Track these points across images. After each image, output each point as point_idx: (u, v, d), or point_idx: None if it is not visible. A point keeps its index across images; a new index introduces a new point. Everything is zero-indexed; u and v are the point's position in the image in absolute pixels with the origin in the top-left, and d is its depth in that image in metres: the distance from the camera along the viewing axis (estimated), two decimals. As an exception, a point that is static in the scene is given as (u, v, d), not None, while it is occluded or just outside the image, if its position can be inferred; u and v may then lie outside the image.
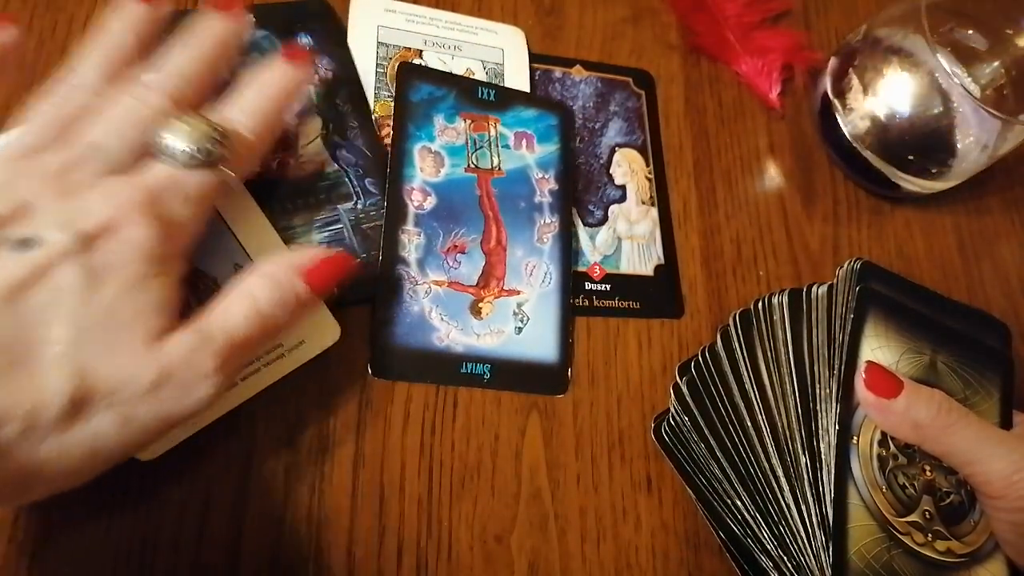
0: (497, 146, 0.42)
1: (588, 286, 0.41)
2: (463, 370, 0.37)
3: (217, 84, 0.32)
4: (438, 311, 0.37)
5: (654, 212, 0.44)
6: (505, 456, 0.36)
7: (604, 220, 0.43)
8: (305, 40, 0.41)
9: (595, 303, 0.41)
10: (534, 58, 0.46)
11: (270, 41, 0.40)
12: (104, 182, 0.28)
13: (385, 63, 0.42)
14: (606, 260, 0.42)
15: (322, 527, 0.33)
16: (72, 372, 0.25)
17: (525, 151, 0.42)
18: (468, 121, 0.42)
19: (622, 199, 0.44)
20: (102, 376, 0.25)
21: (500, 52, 0.45)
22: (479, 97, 0.42)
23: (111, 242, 0.26)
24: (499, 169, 0.41)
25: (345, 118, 0.40)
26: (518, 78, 0.45)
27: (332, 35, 0.42)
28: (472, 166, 0.41)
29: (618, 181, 0.44)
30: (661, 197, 0.45)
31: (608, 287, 0.41)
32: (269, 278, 0.29)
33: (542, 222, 0.41)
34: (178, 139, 0.28)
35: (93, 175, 0.28)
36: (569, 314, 0.40)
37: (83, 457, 0.25)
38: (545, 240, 0.41)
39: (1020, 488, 0.33)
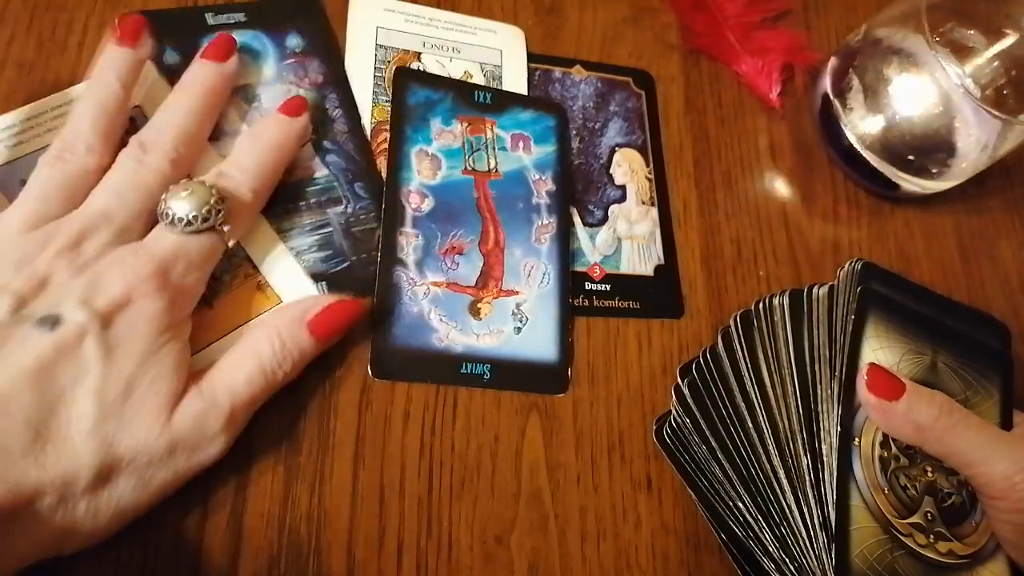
0: (494, 148, 0.42)
1: (588, 286, 0.41)
2: (463, 370, 0.37)
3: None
4: (437, 312, 0.37)
5: (654, 212, 0.44)
6: (505, 456, 0.36)
7: (604, 220, 0.43)
8: (295, 41, 0.41)
9: (595, 303, 0.41)
10: (534, 58, 0.46)
11: (260, 41, 0.40)
12: (115, 253, 0.29)
13: (384, 66, 0.42)
14: (606, 260, 0.42)
15: (322, 527, 0.33)
16: (98, 446, 0.26)
17: (522, 153, 0.42)
18: (465, 124, 0.42)
19: (622, 199, 0.44)
20: (124, 446, 0.27)
21: (499, 53, 0.45)
22: (476, 100, 0.42)
23: (126, 316, 0.28)
24: (496, 171, 0.41)
25: (335, 123, 0.40)
26: (516, 79, 0.45)
27: (322, 36, 0.41)
28: (469, 168, 0.41)
29: (618, 181, 0.44)
30: (661, 197, 0.45)
31: (608, 287, 0.41)
32: (275, 335, 0.31)
33: (540, 223, 0.41)
34: (180, 205, 0.30)
35: (104, 244, 0.29)
36: (568, 314, 0.40)
37: (109, 518, 0.27)
38: (543, 241, 0.40)
39: (1021, 489, 0.33)
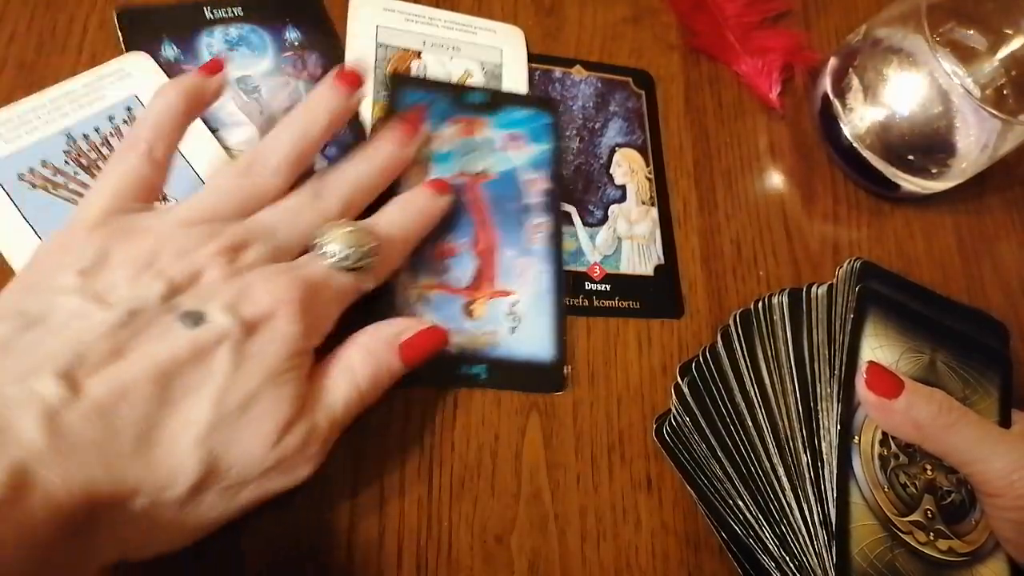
0: (487, 149, 0.41)
1: (588, 286, 0.41)
2: (459, 371, 0.37)
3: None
4: (431, 314, 0.37)
5: (654, 212, 0.44)
6: (505, 456, 0.36)
7: (604, 220, 0.43)
8: (293, 35, 0.41)
9: (595, 303, 0.41)
10: (534, 58, 0.46)
11: (258, 35, 0.40)
12: (269, 269, 0.29)
13: (384, 64, 0.42)
14: (606, 260, 0.42)
15: (322, 527, 0.33)
16: (203, 456, 0.26)
17: (516, 152, 0.42)
18: (457, 126, 0.41)
19: (622, 199, 0.44)
20: (227, 462, 0.26)
21: (499, 52, 0.45)
22: (469, 101, 0.42)
23: (265, 332, 0.28)
24: (489, 172, 0.41)
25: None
26: (517, 78, 0.45)
27: (321, 30, 0.42)
28: (461, 171, 0.41)
29: (618, 181, 0.44)
30: (661, 197, 0.45)
31: (608, 287, 0.41)
32: (369, 355, 0.31)
33: (532, 222, 0.41)
34: (339, 245, 0.31)
35: (260, 258, 0.30)
36: (563, 312, 0.39)
37: (192, 528, 0.27)
38: (536, 240, 0.40)
39: (1019, 487, 0.33)
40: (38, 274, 0.28)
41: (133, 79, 0.37)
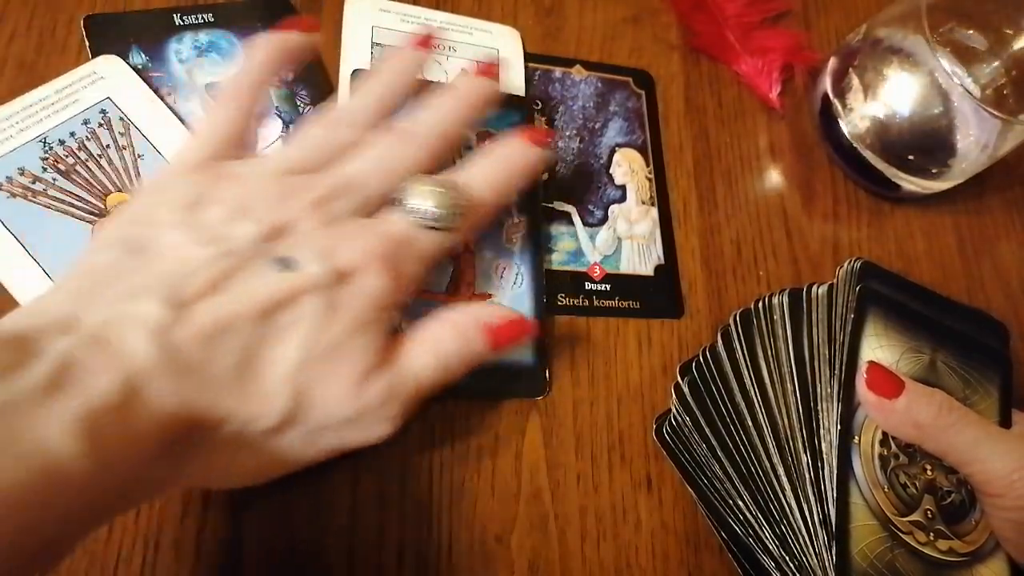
0: (459, 149, 0.41)
1: (588, 286, 0.41)
2: None
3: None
4: (407, 322, 0.36)
5: (654, 212, 0.44)
6: (505, 456, 0.36)
7: (604, 220, 0.43)
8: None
9: (595, 303, 0.41)
10: (534, 58, 0.46)
11: (228, 41, 0.40)
12: (356, 222, 0.30)
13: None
14: (606, 260, 0.42)
15: (322, 527, 0.33)
16: (291, 394, 0.27)
17: None
18: None
19: (622, 199, 0.44)
20: (312, 403, 0.27)
21: (495, 53, 0.45)
22: None
23: (353, 284, 0.29)
24: None
25: (306, 119, 0.40)
26: (514, 78, 0.45)
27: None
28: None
29: (618, 181, 0.44)
30: (661, 197, 0.45)
31: (608, 287, 0.41)
32: (459, 331, 0.31)
33: (510, 222, 0.40)
34: (426, 201, 0.31)
35: (347, 211, 0.30)
36: (544, 314, 0.39)
37: (268, 465, 0.29)
38: (514, 240, 0.40)
39: (1019, 487, 0.33)
40: (140, 209, 0.29)
41: (106, 82, 0.37)
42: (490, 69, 0.36)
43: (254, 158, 0.32)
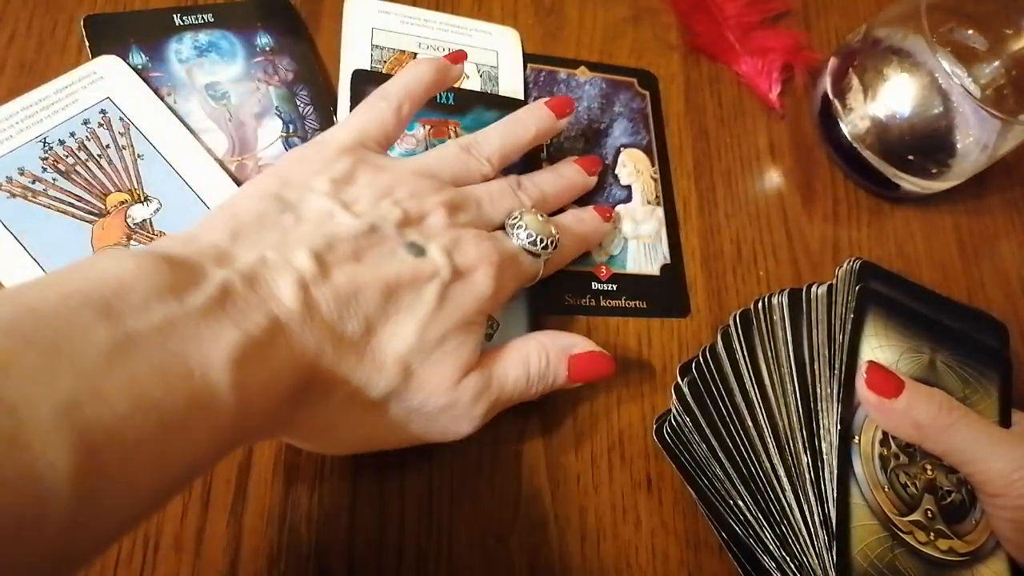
0: None
1: (595, 286, 0.41)
2: None
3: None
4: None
5: (660, 212, 0.44)
6: (505, 456, 0.36)
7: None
8: (265, 40, 0.41)
9: (602, 303, 0.41)
10: (538, 59, 0.46)
11: (228, 40, 0.40)
12: (476, 231, 0.33)
13: (380, 66, 0.42)
14: (612, 260, 0.42)
15: (322, 527, 0.33)
16: (400, 371, 0.29)
17: None
18: (428, 127, 0.41)
19: (627, 199, 0.44)
20: (416, 384, 0.29)
21: (495, 54, 0.45)
22: (438, 101, 0.42)
23: (467, 283, 0.31)
24: None
25: (306, 120, 0.40)
26: (513, 79, 0.45)
27: (293, 34, 0.42)
28: None
29: (623, 181, 0.44)
30: (667, 197, 0.45)
31: (615, 287, 0.41)
32: (546, 354, 0.34)
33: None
34: (531, 229, 0.35)
35: (470, 221, 0.34)
36: (540, 316, 0.39)
37: (358, 441, 0.31)
38: None
39: (1020, 486, 0.33)
40: (291, 172, 0.31)
41: (105, 82, 0.37)
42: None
43: (391, 156, 0.35)
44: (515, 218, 0.35)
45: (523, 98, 0.45)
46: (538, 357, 0.34)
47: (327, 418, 0.28)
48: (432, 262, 0.30)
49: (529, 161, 0.41)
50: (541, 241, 0.35)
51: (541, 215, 0.36)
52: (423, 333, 0.29)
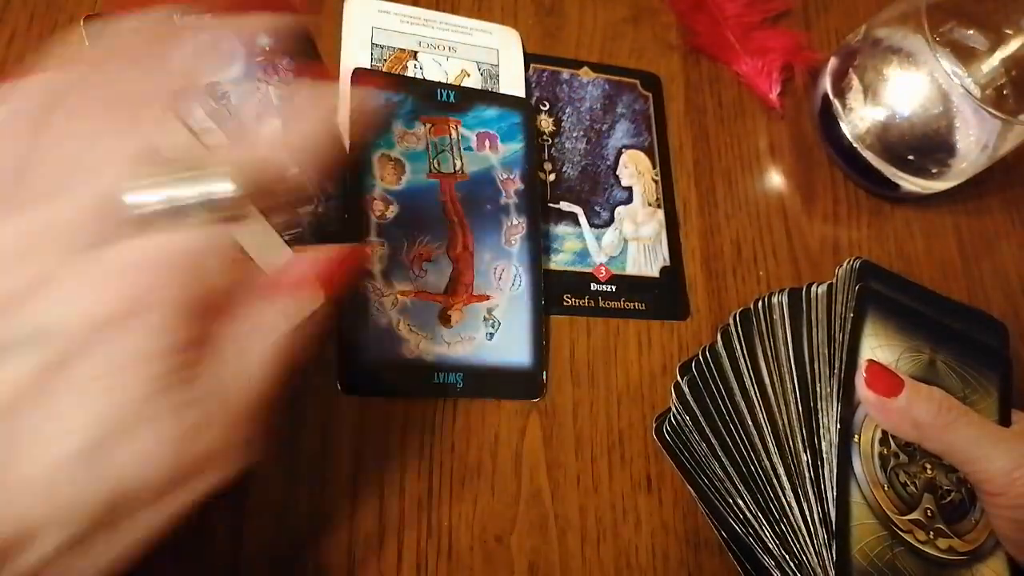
0: (459, 149, 0.41)
1: (594, 287, 0.41)
2: (435, 380, 0.36)
3: None
4: (406, 322, 0.37)
5: (660, 214, 0.44)
6: (505, 456, 0.36)
7: (610, 221, 0.43)
8: (264, 40, 0.41)
9: (601, 304, 0.41)
10: (540, 59, 0.46)
11: (227, 41, 0.40)
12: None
13: (380, 65, 0.42)
14: (612, 261, 0.42)
15: (322, 527, 0.33)
16: None
17: (488, 152, 0.41)
18: (428, 125, 0.41)
19: (628, 201, 0.44)
20: None
21: (495, 53, 0.45)
22: (438, 99, 0.42)
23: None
24: (462, 172, 0.40)
25: None
26: (513, 78, 0.45)
27: (292, 33, 0.41)
28: (434, 171, 0.40)
29: (625, 183, 0.44)
30: (668, 199, 0.45)
31: (614, 288, 0.41)
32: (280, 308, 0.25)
33: (509, 224, 0.40)
34: None
35: None
36: (542, 316, 0.39)
37: None
38: (513, 242, 0.40)
39: (1019, 485, 0.33)
40: None
41: None
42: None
43: None
44: None
45: (525, 97, 0.45)
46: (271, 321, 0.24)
47: None
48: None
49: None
50: None
51: None
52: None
